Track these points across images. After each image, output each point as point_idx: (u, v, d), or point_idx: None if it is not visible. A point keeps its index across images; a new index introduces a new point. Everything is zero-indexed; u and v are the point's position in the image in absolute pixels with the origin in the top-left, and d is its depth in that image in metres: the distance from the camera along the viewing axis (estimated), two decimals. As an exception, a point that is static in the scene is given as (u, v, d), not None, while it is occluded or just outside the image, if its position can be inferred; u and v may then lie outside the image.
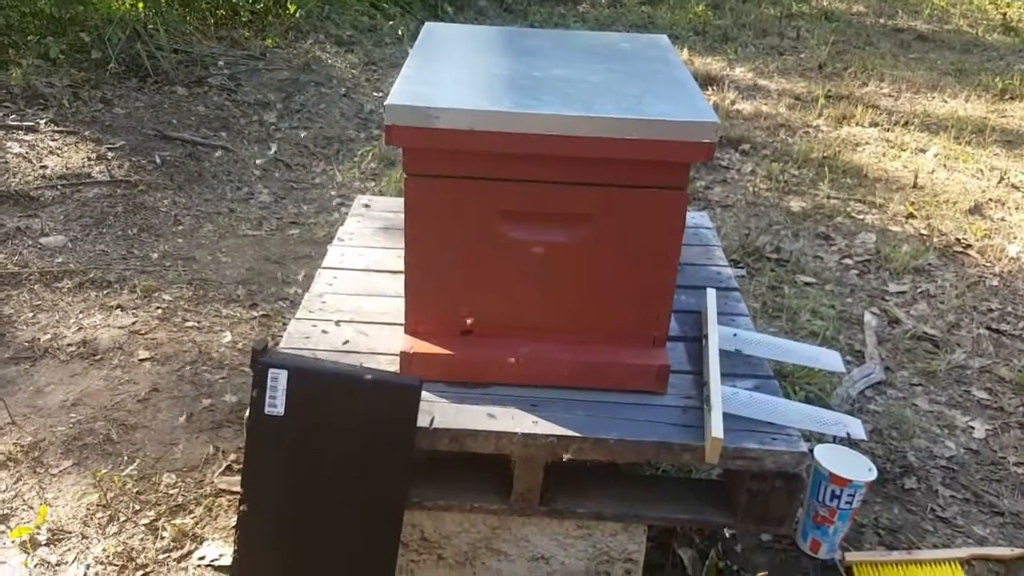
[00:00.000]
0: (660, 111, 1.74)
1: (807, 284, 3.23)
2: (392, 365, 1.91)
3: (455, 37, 2.33)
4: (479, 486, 1.82)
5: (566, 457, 1.72)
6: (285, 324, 2.79)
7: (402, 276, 1.87)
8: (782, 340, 2.09)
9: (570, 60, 2.12)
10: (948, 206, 3.86)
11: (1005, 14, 6.86)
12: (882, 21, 6.78)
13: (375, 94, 4.83)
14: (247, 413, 1.70)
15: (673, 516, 1.81)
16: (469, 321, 1.88)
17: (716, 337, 1.98)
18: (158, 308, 2.97)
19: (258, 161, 4.05)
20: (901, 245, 3.50)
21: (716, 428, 1.65)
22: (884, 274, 3.34)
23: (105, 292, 3.04)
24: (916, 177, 4.10)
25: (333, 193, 3.82)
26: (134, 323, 2.88)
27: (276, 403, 1.71)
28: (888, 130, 4.69)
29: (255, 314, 2.97)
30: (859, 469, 1.97)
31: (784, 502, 1.73)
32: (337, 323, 2.12)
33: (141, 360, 2.70)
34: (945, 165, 4.29)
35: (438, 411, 1.78)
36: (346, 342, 2.03)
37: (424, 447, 1.73)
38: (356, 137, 4.35)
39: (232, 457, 2.30)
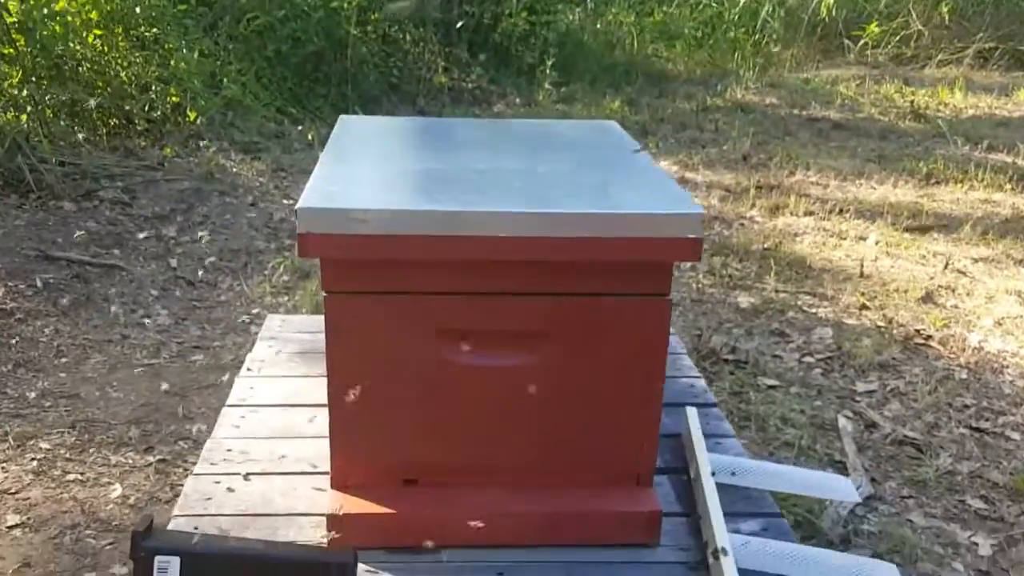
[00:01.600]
0: (633, 203, 1.45)
1: (771, 387, 2.96)
2: (318, 529, 1.53)
3: (375, 130, 2.02)
4: None
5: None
6: (187, 470, 2.37)
7: (326, 411, 1.51)
8: (781, 467, 1.78)
9: (512, 150, 1.83)
10: (900, 295, 3.68)
11: (912, 102, 6.96)
12: (796, 112, 6.81)
13: (285, 201, 4.50)
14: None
15: None
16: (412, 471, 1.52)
17: (708, 468, 1.66)
18: (33, 459, 2.51)
19: (156, 279, 3.64)
20: (861, 339, 3.27)
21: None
22: (849, 372, 3.09)
23: (-31, 443, 2.57)
24: (862, 266, 3.93)
25: (241, 311, 3.43)
26: (3, 480, 2.42)
27: (163, 602, 1.31)
28: (824, 219, 4.55)
29: (150, 459, 2.54)
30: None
31: None
32: (246, 476, 1.73)
33: (10, 527, 2.24)
34: (888, 252, 4.15)
35: (377, 592, 1.41)
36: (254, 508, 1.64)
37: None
38: (266, 248, 3.99)
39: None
